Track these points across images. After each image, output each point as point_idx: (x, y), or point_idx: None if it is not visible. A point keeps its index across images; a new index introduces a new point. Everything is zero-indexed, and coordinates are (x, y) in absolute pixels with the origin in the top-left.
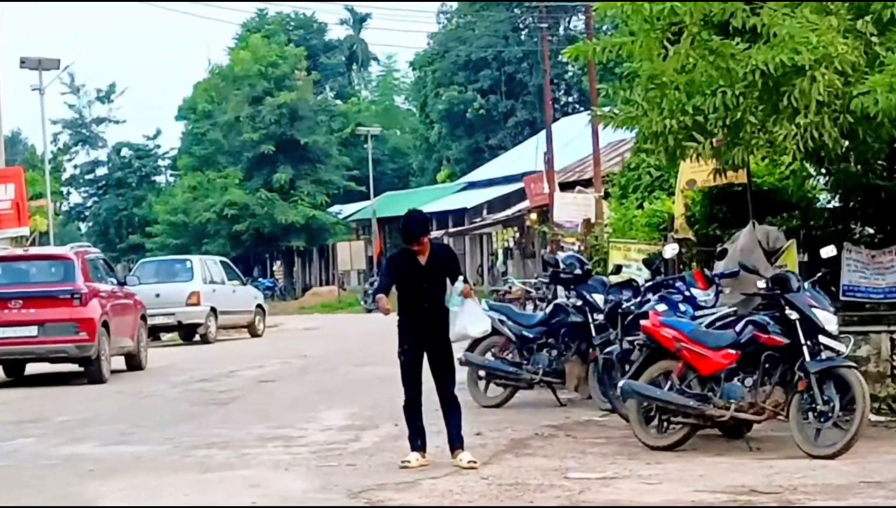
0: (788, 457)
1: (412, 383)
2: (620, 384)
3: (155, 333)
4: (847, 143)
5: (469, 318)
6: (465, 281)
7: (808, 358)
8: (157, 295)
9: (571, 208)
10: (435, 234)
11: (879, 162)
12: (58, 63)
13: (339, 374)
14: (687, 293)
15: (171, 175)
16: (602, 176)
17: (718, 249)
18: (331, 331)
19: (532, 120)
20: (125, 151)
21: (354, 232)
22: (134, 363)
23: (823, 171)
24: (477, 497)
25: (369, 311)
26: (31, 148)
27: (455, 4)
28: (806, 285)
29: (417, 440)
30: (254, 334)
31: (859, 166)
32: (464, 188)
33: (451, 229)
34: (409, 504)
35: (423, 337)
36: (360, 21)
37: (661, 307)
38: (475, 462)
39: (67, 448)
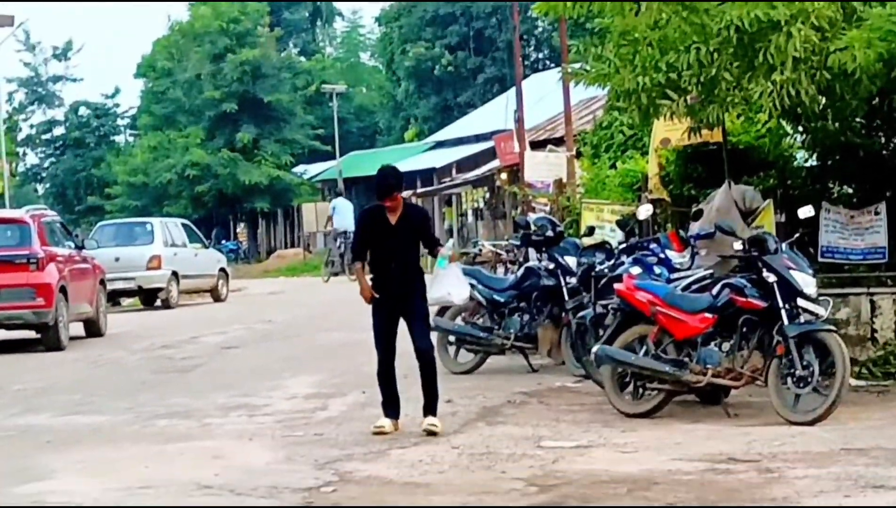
0: (767, 424)
1: (383, 346)
2: (594, 349)
3: (115, 298)
4: (824, 100)
5: (453, 282)
6: (454, 247)
7: (786, 322)
8: (117, 259)
9: (542, 168)
10: (404, 194)
11: (857, 120)
12: (12, 20)
13: (305, 340)
14: (662, 256)
15: (131, 135)
16: (574, 135)
17: (694, 209)
18: (296, 296)
19: (501, 77)
20: (83, 110)
21: (320, 193)
22: (93, 329)
23: (801, 129)
24: (447, 466)
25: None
26: None
27: None
28: (783, 246)
29: (390, 407)
30: (217, 298)
31: (837, 124)
32: (432, 147)
33: (420, 190)
34: (378, 475)
35: (394, 297)
36: None
37: (636, 270)
38: (435, 427)
39: (23, 418)
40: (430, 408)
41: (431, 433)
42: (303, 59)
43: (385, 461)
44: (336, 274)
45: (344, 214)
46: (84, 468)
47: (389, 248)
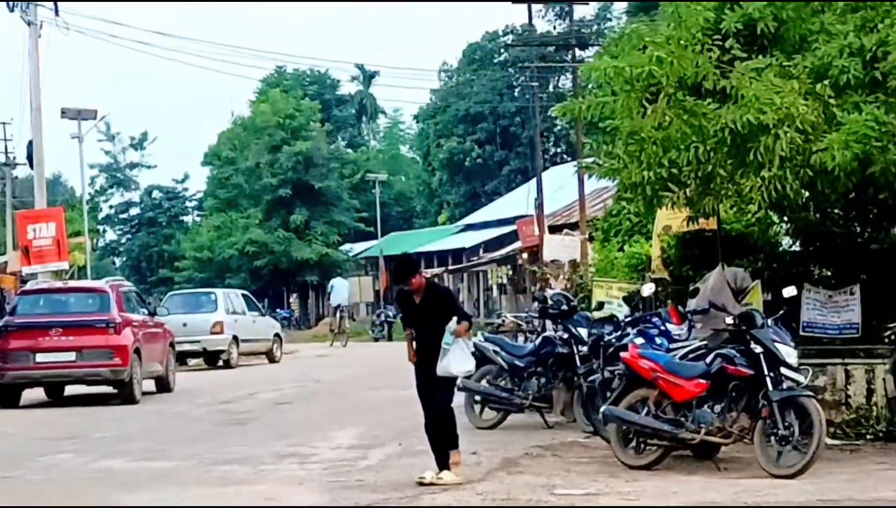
0: (753, 476)
1: (423, 402)
2: (602, 409)
3: (182, 358)
4: (807, 194)
5: (455, 356)
6: (464, 321)
7: (770, 388)
8: (185, 324)
9: (559, 249)
10: (436, 271)
11: (836, 211)
12: (95, 113)
13: (349, 397)
14: (662, 328)
15: (198, 215)
16: (587, 220)
17: (691, 288)
18: (341, 358)
19: (524, 168)
20: (156, 193)
21: (363, 268)
22: (163, 385)
23: (786, 218)
24: None
25: (376, 340)
26: (71, 190)
27: (455, 63)
28: (769, 321)
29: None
30: (272, 360)
31: (818, 215)
32: (462, 230)
33: (451, 267)
34: None
35: (423, 366)
36: (369, 78)
37: (639, 341)
38: (441, 480)
39: (102, 462)
40: (441, 461)
41: (433, 484)
42: (349, 150)
43: (418, 504)
44: (377, 340)
45: (339, 291)
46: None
47: (417, 322)
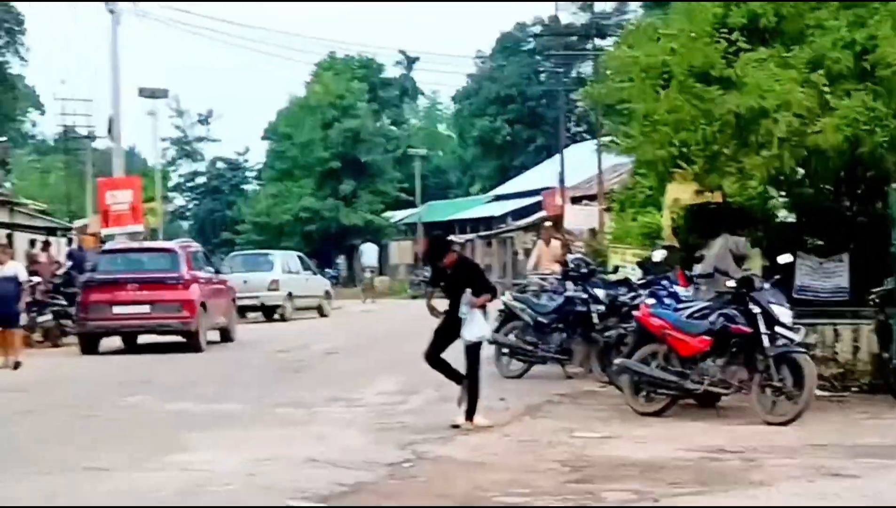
0: (750, 423)
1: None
2: (616, 361)
3: (243, 312)
4: (802, 171)
5: (470, 325)
6: (486, 294)
7: (767, 344)
8: (245, 282)
9: (580, 218)
10: (468, 237)
11: (828, 187)
12: (167, 92)
13: (390, 348)
14: (671, 290)
15: (257, 184)
16: (605, 192)
17: (697, 254)
18: (383, 314)
19: (548, 145)
20: (220, 164)
21: (403, 233)
22: (226, 336)
23: (783, 193)
24: (500, 450)
25: (414, 297)
26: (145, 161)
27: (488, 50)
28: (766, 285)
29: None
30: (322, 314)
31: (812, 190)
32: (492, 200)
33: (482, 233)
34: (446, 455)
35: (448, 320)
36: (411, 63)
37: (650, 301)
38: (470, 423)
39: (172, 404)
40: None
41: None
42: (393, 128)
43: (452, 445)
44: (415, 297)
45: (369, 254)
46: (220, 444)
47: (447, 289)
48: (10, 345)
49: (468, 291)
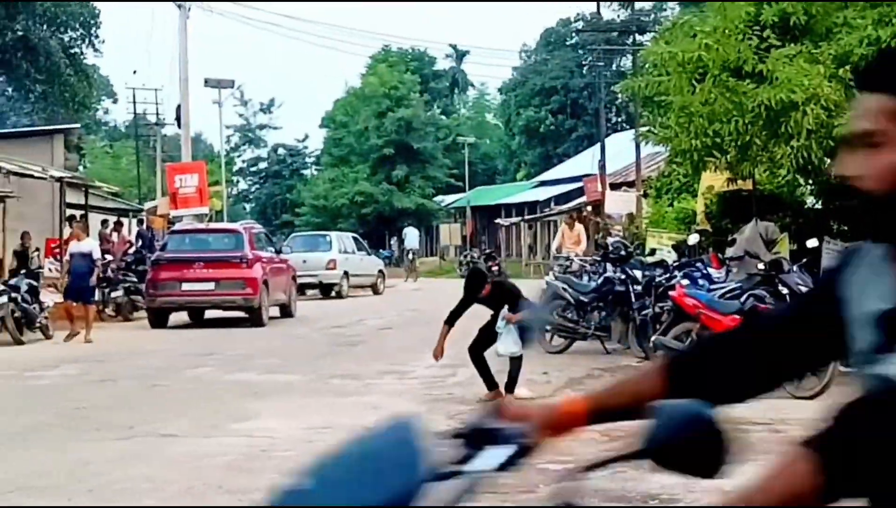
0: (778, 397)
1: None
2: (652, 338)
3: (302, 290)
4: (829, 161)
5: (505, 340)
6: (518, 311)
7: None
8: (304, 261)
9: (619, 204)
10: (513, 220)
11: None
12: (232, 83)
13: (439, 325)
14: (705, 272)
15: (315, 169)
16: (642, 180)
17: (729, 238)
18: (433, 293)
19: (590, 135)
20: (281, 150)
21: (453, 216)
22: (286, 311)
23: (810, 181)
24: None
25: (463, 277)
26: (211, 147)
27: (533, 45)
28: (795, 268)
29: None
30: (376, 292)
31: (838, 179)
32: (536, 186)
33: (526, 217)
34: None
35: (486, 331)
36: (461, 56)
37: (685, 282)
38: (514, 395)
39: (236, 375)
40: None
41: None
42: (443, 117)
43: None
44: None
45: (411, 237)
46: (281, 412)
47: (488, 305)
48: (83, 319)
49: (505, 307)
